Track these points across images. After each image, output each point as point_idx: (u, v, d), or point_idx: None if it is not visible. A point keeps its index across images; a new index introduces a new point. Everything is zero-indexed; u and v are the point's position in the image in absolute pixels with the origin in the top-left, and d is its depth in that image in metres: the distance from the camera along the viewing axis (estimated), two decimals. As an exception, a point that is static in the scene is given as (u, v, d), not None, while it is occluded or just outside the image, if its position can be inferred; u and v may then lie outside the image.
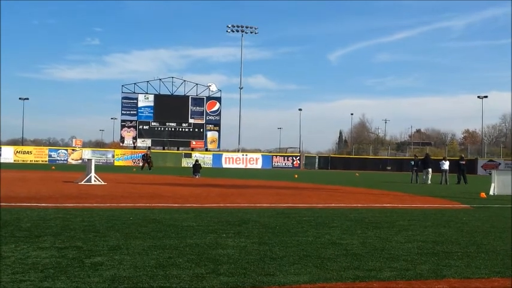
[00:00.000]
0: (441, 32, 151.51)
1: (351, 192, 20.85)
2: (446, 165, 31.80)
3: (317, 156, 78.11)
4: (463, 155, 38.89)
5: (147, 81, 71.43)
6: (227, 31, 78.26)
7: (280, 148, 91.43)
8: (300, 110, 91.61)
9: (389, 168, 67.00)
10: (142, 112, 70.61)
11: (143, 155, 47.42)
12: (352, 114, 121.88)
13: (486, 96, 73.48)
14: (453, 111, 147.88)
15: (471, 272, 6.15)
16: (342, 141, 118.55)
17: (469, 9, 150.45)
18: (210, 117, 72.57)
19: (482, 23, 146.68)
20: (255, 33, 78.47)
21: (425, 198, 18.38)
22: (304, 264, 6.28)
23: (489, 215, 12.96)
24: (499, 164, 59.05)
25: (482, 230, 9.93)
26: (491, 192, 20.76)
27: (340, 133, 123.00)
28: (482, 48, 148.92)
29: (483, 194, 19.64)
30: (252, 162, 68.11)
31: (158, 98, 71.08)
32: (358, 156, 77.86)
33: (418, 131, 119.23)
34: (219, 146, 73.80)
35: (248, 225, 9.73)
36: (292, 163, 69.94)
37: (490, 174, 23.51)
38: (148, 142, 69.95)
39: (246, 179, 31.72)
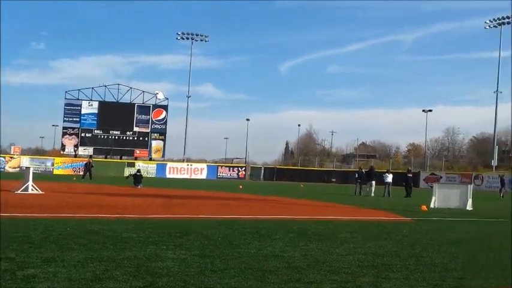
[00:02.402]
0: (392, 45, 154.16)
1: (295, 204, 20.95)
2: (389, 177, 32.39)
3: (263, 167, 78.26)
4: (410, 168, 39.80)
5: (92, 88, 69.99)
6: (177, 38, 77.74)
7: (226, 158, 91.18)
8: (247, 120, 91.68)
9: (334, 180, 67.77)
10: (85, 119, 69.02)
11: (86, 164, 46.30)
12: (299, 125, 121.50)
13: (431, 110, 75.37)
14: (399, 125, 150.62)
15: (409, 284, 6.22)
16: (288, 153, 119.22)
17: (420, 24, 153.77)
18: (156, 126, 71.60)
19: (431, 37, 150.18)
20: (206, 41, 78.22)
21: (367, 211, 18.65)
22: (245, 277, 6.20)
23: (429, 228, 13.23)
24: (441, 177, 60.60)
25: (422, 242, 10.12)
26: (431, 205, 21.20)
27: (287, 144, 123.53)
28: (429, 63, 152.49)
29: (424, 207, 20.02)
30: (196, 172, 67.52)
31: (103, 105, 69.68)
32: (303, 167, 78.49)
33: (364, 143, 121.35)
34: (163, 156, 72.82)
35: (190, 236, 9.57)
36: (237, 174, 69.78)
37: (432, 187, 24.07)
38: (90, 150, 68.40)
39: (190, 190, 31.41)
